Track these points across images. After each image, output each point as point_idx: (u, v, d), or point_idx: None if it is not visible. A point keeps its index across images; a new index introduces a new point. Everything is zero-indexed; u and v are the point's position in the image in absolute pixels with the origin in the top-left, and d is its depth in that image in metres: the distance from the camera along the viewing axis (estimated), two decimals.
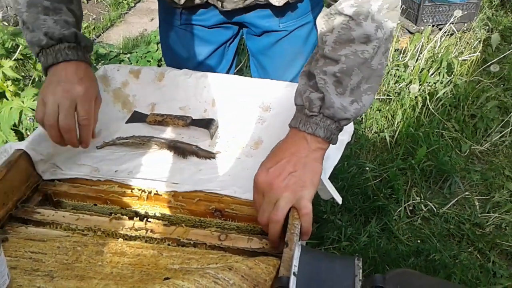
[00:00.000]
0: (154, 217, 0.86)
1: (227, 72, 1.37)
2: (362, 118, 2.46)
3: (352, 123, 1.05)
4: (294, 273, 0.60)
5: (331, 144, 0.80)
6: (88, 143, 0.90)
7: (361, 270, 0.61)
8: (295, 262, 0.61)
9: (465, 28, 3.21)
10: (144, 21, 3.85)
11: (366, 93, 0.78)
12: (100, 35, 3.58)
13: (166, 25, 1.27)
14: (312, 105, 0.77)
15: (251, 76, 1.20)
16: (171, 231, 0.80)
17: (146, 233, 0.79)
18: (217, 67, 1.33)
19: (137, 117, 1.07)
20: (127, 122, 1.07)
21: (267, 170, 0.77)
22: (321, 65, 0.78)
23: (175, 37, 1.27)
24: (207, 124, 1.04)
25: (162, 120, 1.05)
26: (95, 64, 2.49)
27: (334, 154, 0.98)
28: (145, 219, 0.82)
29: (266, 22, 1.19)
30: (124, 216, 0.84)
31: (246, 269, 0.62)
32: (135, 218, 0.83)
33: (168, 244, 0.78)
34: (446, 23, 3.03)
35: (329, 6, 0.82)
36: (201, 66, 1.29)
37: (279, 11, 1.16)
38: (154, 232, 0.80)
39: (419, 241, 1.76)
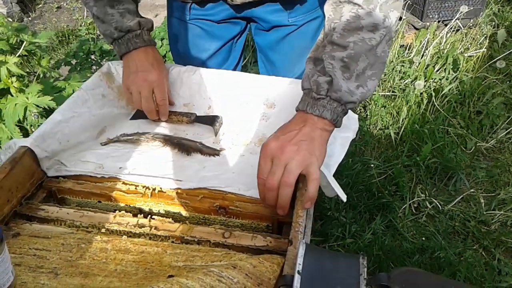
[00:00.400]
0: (158, 214, 0.86)
1: (234, 68, 1.36)
2: (367, 115, 2.45)
3: (357, 120, 1.05)
4: (298, 272, 0.60)
5: (337, 139, 0.82)
6: (166, 116, 1.06)
7: (365, 269, 0.61)
8: (300, 260, 0.61)
9: (471, 24, 3.18)
10: (149, 17, 3.84)
11: (370, 78, 0.82)
12: None
13: (175, 20, 1.27)
14: (319, 88, 0.80)
15: (255, 72, 1.20)
16: (175, 228, 0.80)
17: (150, 230, 0.79)
18: (225, 62, 1.33)
19: (141, 114, 1.07)
20: (131, 119, 1.07)
21: (277, 137, 0.80)
22: (328, 50, 0.81)
23: (184, 32, 1.27)
24: (211, 120, 1.04)
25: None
26: (99, 60, 2.48)
27: (338, 151, 0.97)
28: (149, 216, 0.82)
29: (276, 16, 1.19)
30: (128, 213, 0.83)
31: (250, 268, 0.62)
32: (139, 215, 0.83)
33: (172, 242, 0.78)
34: (452, 19, 3.01)
35: None
36: (209, 62, 1.28)
37: (288, 5, 1.16)
38: (158, 229, 0.80)
39: (423, 238, 1.75)
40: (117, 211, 0.84)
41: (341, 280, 0.60)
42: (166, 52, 2.83)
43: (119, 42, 1.05)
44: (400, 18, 3.12)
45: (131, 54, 1.05)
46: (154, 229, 0.80)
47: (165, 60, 2.83)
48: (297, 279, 0.59)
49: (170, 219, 0.82)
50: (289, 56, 1.29)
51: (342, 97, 0.80)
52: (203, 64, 1.23)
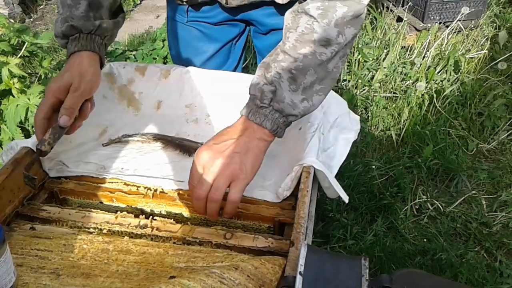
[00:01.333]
0: (160, 215, 0.86)
1: (234, 70, 1.36)
2: (368, 116, 2.45)
3: (358, 121, 1.05)
4: (300, 273, 0.60)
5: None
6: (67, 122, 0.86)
7: (367, 270, 0.61)
8: (301, 261, 0.61)
9: (472, 26, 3.18)
10: (150, 18, 3.86)
11: (317, 93, 0.81)
12: None
13: (173, 22, 1.27)
14: (263, 96, 0.79)
15: None
16: (177, 229, 0.80)
17: (151, 231, 0.79)
18: (224, 65, 1.33)
19: None
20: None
21: (211, 145, 0.79)
22: (280, 59, 0.80)
23: (182, 34, 1.27)
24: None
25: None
26: None
27: (340, 152, 0.97)
28: (151, 217, 0.82)
29: (272, 20, 1.19)
30: (130, 214, 0.83)
31: (252, 269, 0.62)
32: (140, 216, 0.83)
33: (174, 243, 0.78)
34: (453, 20, 3.01)
35: (301, 2, 0.83)
36: (207, 64, 1.28)
37: (283, 10, 1.16)
38: (160, 230, 0.80)
39: (425, 240, 1.75)
40: (118, 212, 0.84)
41: (342, 281, 0.60)
42: (167, 53, 2.84)
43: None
44: (401, 20, 3.13)
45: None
46: (156, 229, 0.80)
47: (165, 62, 2.83)
48: (299, 280, 0.59)
49: (172, 220, 0.82)
50: None
51: (284, 109, 0.79)
52: (201, 66, 1.23)
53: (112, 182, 0.89)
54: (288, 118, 0.80)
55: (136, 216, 0.83)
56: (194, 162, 0.79)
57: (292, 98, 0.79)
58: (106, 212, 0.84)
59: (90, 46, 0.89)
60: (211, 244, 0.77)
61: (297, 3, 0.83)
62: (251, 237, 0.78)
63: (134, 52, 2.97)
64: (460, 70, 2.72)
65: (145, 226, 0.80)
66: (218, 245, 0.77)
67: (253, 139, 0.79)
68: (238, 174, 0.77)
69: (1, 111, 1.70)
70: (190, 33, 1.26)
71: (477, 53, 2.86)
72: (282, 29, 1.23)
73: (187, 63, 1.22)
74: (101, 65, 0.93)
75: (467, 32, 3.07)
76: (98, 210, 0.84)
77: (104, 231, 0.80)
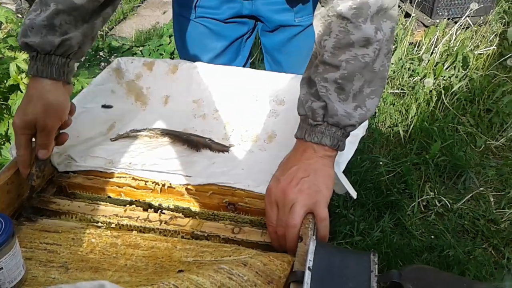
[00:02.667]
0: (168, 209, 0.86)
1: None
2: (375, 112, 2.43)
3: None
4: (309, 268, 0.59)
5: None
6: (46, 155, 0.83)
7: (376, 266, 0.61)
8: (310, 256, 0.61)
9: (481, 22, 3.15)
10: (157, 14, 3.86)
11: (369, 97, 0.77)
12: (113, 28, 3.59)
13: (180, 19, 1.26)
14: (315, 114, 0.76)
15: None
16: (185, 223, 0.80)
17: (160, 224, 0.80)
18: (232, 62, 1.32)
19: None
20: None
21: (278, 180, 0.76)
22: (321, 71, 0.77)
23: (189, 31, 1.26)
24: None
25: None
26: (107, 57, 2.49)
27: (348, 148, 0.96)
28: (159, 210, 0.83)
29: (281, 16, 1.18)
30: (139, 208, 0.84)
31: (261, 265, 0.62)
32: (149, 210, 0.83)
33: (182, 237, 0.78)
34: (462, 16, 2.98)
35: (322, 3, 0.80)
36: (216, 61, 1.27)
37: (291, 3, 1.15)
38: (168, 223, 0.80)
39: (432, 236, 1.74)
40: (127, 205, 0.84)
41: (351, 277, 0.60)
42: (174, 49, 2.83)
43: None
44: (409, 15, 3.10)
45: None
46: (164, 223, 0.80)
47: (172, 58, 2.83)
48: (307, 275, 0.58)
49: (180, 214, 0.83)
50: (296, 57, 1.27)
51: (340, 122, 0.75)
52: (210, 63, 1.22)
53: (120, 177, 0.89)
54: (346, 130, 0.77)
55: (145, 209, 0.83)
56: (266, 202, 0.76)
57: (344, 109, 0.75)
58: (115, 205, 0.84)
59: (48, 72, 0.80)
60: (219, 238, 0.77)
61: (321, 8, 0.80)
62: (259, 232, 0.78)
63: (141, 48, 2.97)
64: (469, 66, 2.69)
65: (154, 220, 0.80)
66: (226, 239, 0.77)
67: (317, 159, 0.76)
68: (313, 196, 0.73)
69: (9, 106, 1.71)
70: (198, 30, 1.25)
71: (486, 49, 2.84)
72: (290, 26, 1.24)
73: (195, 60, 1.22)
74: (69, 91, 0.85)
75: (475, 28, 3.04)
76: (107, 203, 0.85)
77: (113, 224, 0.80)
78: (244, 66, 1.36)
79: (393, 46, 2.55)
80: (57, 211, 0.84)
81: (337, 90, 0.75)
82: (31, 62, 0.81)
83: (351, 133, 1.00)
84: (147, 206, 0.87)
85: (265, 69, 1.40)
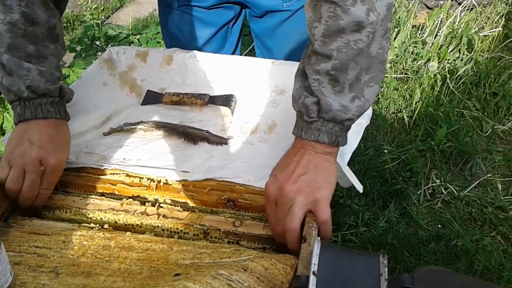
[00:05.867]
0: (165, 203, 0.83)
1: (232, 54, 1.31)
2: (378, 98, 2.38)
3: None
4: (314, 272, 0.55)
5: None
6: (41, 204, 0.82)
7: (386, 268, 0.57)
8: (315, 260, 0.57)
9: (486, 2, 3.08)
10: (154, 1, 3.77)
11: (367, 85, 0.71)
12: (109, 16, 3.52)
13: (164, 8, 1.22)
14: (309, 110, 0.71)
15: None
16: (184, 216, 0.78)
17: (158, 218, 0.77)
18: (220, 50, 1.28)
19: (151, 98, 1.02)
20: (142, 104, 1.02)
21: (276, 177, 0.72)
22: (313, 62, 0.71)
23: (174, 20, 1.22)
24: (226, 100, 0.99)
25: (179, 100, 1.01)
26: (104, 46, 2.44)
27: (353, 138, 0.92)
28: (157, 204, 0.80)
29: (267, 1, 1.13)
30: (136, 201, 0.81)
31: (262, 270, 0.58)
32: (147, 204, 0.80)
33: (179, 237, 0.74)
34: None
35: None
36: (204, 49, 1.23)
37: None
38: (167, 217, 0.78)
39: (439, 225, 1.70)
40: (124, 199, 0.81)
41: (359, 281, 0.56)
42: (161, 39, 2.78)
43: (25, 105, 0.81)
44: None
45: (35, 121, 0.81)
46: (163, 217, 0.77)
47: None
48: (312, 281, 0.54)
49: (179, 207, 0.80)
50: (287, 43, 1.23)
51: (336, 116, 0.70)
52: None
53: (114, 174, 0.85)
54: (344, 124, 0.72)
55: (142, 203, 0.80)
56: (265, 200, 0.73)
57: (340, 102, 0.70)
58: (111, 200, 0.81)
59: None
60: (220, 231, 0.75)
61: None
62: (261, 225, 0.75)
63: (138, 36, 2.91)
64: (474, 49, 2.63)
65: (152, 214, 0.78)
66: (227, 232, 0.74)
67: (317, 156, 0.72)
68: (313, 195, 0.69)
69: (3, 100, 1.67)
70: (182, 19, 1.20)
71: (491, 31, 2.77)
72: (278, 11, 1.19)
73: (183, 49, 1.16)
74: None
75: (480, 9, 2.97)
76: (103, 198, 0.82)
77: (110, 219, 0.77)
78: (233, 52, 1.32)
79: (396, 30, 2.47)
80: (50, 205, 0.81)
81: (331, 82, 0.70)
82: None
83: (356, 122, 0.95)
84: (144, 200, 0.83)
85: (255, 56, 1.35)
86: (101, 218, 0.79)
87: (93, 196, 0.83)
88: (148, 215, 0.78)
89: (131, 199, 0.81)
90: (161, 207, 0.80)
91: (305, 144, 0.73)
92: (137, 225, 0.78)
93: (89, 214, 0.80)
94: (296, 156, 0.73)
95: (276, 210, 0.70)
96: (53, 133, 0.82)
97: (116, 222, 0.78)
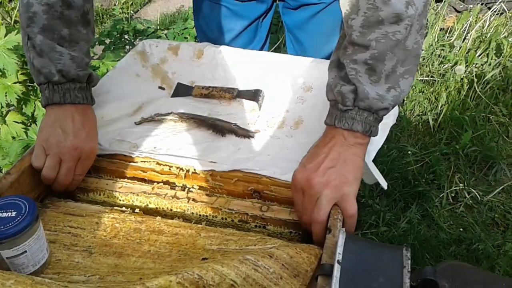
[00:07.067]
0: (194, 188, 0.86)
1: (261, 49, 1.33)
2: (404, 100, 2.37)
3: (397, 106, 1.00)
4: (338, 261, 0.57)
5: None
6: (70, 191, 0.86)
7: (409, 261, 0.58)
8: (340, 250, 0.58)
9: None
10: None
11: (403, 77, 0.72)
12: (138, 10, 3.58)
13: (199, 1, 1.24)
14: (345, 99, 0.72)
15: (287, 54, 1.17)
16: (213, 200, 0.81)
17: (188, 201, 0.80)
18: (251, 43, 1.29)
19: (182, 90, 1.05)
20: (172, 96, 1.06)
21: (304, 167, 0.73)
22: (350, 53, 0.72)
23: (208, 12, 1.24)
24: (254, 95, 1.01)
25: (208, 93, 1.03)
26: (132, 40, 2.49)
27: (378, 136, 0.93)
28: (187, 188, 0.83)
29: None
30: (166, 186, 0.84)
31: (287, 258, 0.60)
32: (176, 188, 0.84)
33: (207, 220, 0.78)
34: (496, 2, 2.87)
35: None
36: (234, 42, 1.25)
37: None
38: (196, 201, 0.81)
39: (461, 229, 1.69)
40: (155, 183, 0.85)
41: (382, 272, 0.57)
42: (188, 35, 2.82)
43: (53, 88, 0.83)
44: (441, 0, 3.00)
45: (64, 108, 0.84)
46: (192, 200, 0.80)
47: (197, 41, 2.81)
48: (337, 269, 0.56)
49: (208, 192, 0.83)
50: (318, 35, 1.24)
51: (372, 105, 0.71)
52: (228, 44, 1.19)
53: (145, 161, 0.88)
54: (379, 114, 0.73)
55: (172, 188, 0.83)
56: (292, 188, 0.74)
57: (376, 91, 0.71)
58: (143, 183, 0.85)
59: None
60: (247, 215, 0.78)
61: None
62: (287, 210, 0.77)
63: (165, 31, 2.95)
64: (502, 54, 2.59)
65: (182, 197, 0.81)
66: (254, 217, 0.77)
67: (347, 148, 0.72)
68: (340, 188, 0.70)
69: (35, 88, 1.72)
70: (217, 11, 1.22)
71: None
72: (312, 4, 1.20)
73: (213, 41, 1.19)
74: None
75: (510, 14, 2.92)
76: (135, 181, 0.85)
77: (142, 200, 0.81)
78: (262, 48, 1.33)
79: (424, 32, 2.45)
80: (85, 188, 0.85)
81: (368, 71, 0.71)
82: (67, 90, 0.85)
83: (382, 121, 0.96)
84: (174, 185, 0.87)
85: (287, 51, 1.36)
86: (133, 201, 0.82)
87: (125, 180, 0.87)
88: (178, 198, 0.81)
89: (161, 183, 0.84)
90: (191, 191, 0.83)
91: (337, 134, 0.73)
92: (168, 208, 0.81)
93: (121, 196, 0.83)
94: (326, 147, 0.73)
95: (303, 199, 0.72)
96: (83, 119, 0.85)
97: (147, 205, 0.81)
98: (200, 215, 0.80)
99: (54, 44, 0.82)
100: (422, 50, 0.75)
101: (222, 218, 0.79)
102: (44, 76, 0.83)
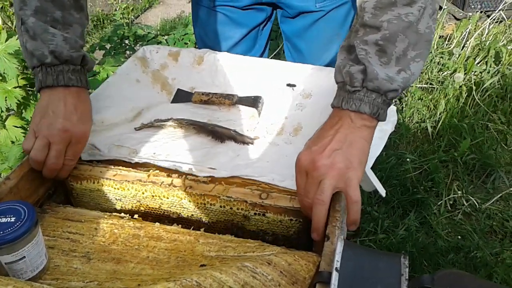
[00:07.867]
0: (192, 174, 0.84)
1: (261, 56, 1.33)
2: (402, 107, 2.38)
3: (395, 111, 1.00)
4: (336, 269, 0.57)
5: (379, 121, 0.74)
6: (65, 176, 0.84)
7: (407, 269, 0.58)
8: (338, 257, 0.58)
9: None
10: (182, 2, 3.85)
11: (414, 60, 0.71)
12: (139, 16, 3.60)
13: (199, 7, 1.24)
14: (353, 79, 0.70)
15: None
16: (211, 188, 0.79)
17: (185, 189, 0.79)
18: (250, 50, 1.30)
19: (181, 96, 1.05)
20: (172, 102, 1.06)
21: (309, 149, 0.72)
22: (361, 35, 0.71)
23: (207, 19, 1.24)
24: (254, 102, 1.01)
25: (208, 99, 1.04)
26: (133, 45, 2.49)
27: (376, 143, 0.93)
28: (184, 176, 0.81)
29: (302, 2, 1.15)
30: (162, 173, 0.83)
31: (285, 265, 0.60)
32: (173, 175, 0.82)
33: (205, 208, 0.77)
34: (495, 10, 2.89)
35: None
36: (234, 50, 1.25)
37: None
38: (194, 188, 0.79)
39: (459, 237, 1.69)
40: (151, 171, 0.83)
41: (380, 279, 0.57)
42: (189, 41, 2.83)
43: (47, 71, 0.81)
44: (440, 8, 3.01)
45: (57, 91, 0.82)
46: (189, 188, 0.79)
47: (197, 46, 2.82)
48: (335, 277, 0.56)
49: (205, 180, 0.81)
50: (317, 43, 1.24)
51: (381, 86, 0.69)
52: (228, 52, 1.20)
53: (144, 167, 0.88)
54: (387, 96, 0.70)
55: (169, 175, 0.82)
56: (296, 170, 0.73)
57: (386, 72, 0.69)
58: (138, 171, 0.83)
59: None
60: (246, 203, 0.76)
61: None
62: (288, 197, 0.76)
63: (166, 37, 2.96)
64: (501, 62, 2.60)
65: (178, 185, 0.79)
66: (253, 204, 0.76)
67: (354, 130, 0.71)
68: (346, 172, 0.68)
69: (36, 92, 1.72)
70: (216, 18, 1.22)
71: None
72: (311, 12, 1.20)
73: (213, 49, 1.19)
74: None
75: (509, 22, 2.94)
76: (130, 169, 0.84)
77: (138, 188, 0.80)
78: (261, 54, 1.34)
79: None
80: (78, 176, 0.84)
81: (378, 52, 0.70)
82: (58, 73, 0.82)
83: (380, 128, 0.96)
84: (170, 172, 0.85)
85: (286, 59, 1.37)
86: (128, 189, 0.81)
87: (120, 167, 0.85)
88: (175, 186, 0.79)
89: (157, 171, 0.82)
90: (187, 179, 0.81)
91: (344, 115, 0.72)
92: (164, 195, 0.79)
93: (116, 185, 0.82)
94: (332, 129, 0.72)
95: (306, 181, 0.71)
96: (76, 102, 0.83)
97: (143, 193, 0.80)
98: (198, 203, 0.78)
99: (46, 26, 0.81)
100: (434, 35, 0.75)
101: (221, 206, 0.78)
102: (37, 58, 0.81)
